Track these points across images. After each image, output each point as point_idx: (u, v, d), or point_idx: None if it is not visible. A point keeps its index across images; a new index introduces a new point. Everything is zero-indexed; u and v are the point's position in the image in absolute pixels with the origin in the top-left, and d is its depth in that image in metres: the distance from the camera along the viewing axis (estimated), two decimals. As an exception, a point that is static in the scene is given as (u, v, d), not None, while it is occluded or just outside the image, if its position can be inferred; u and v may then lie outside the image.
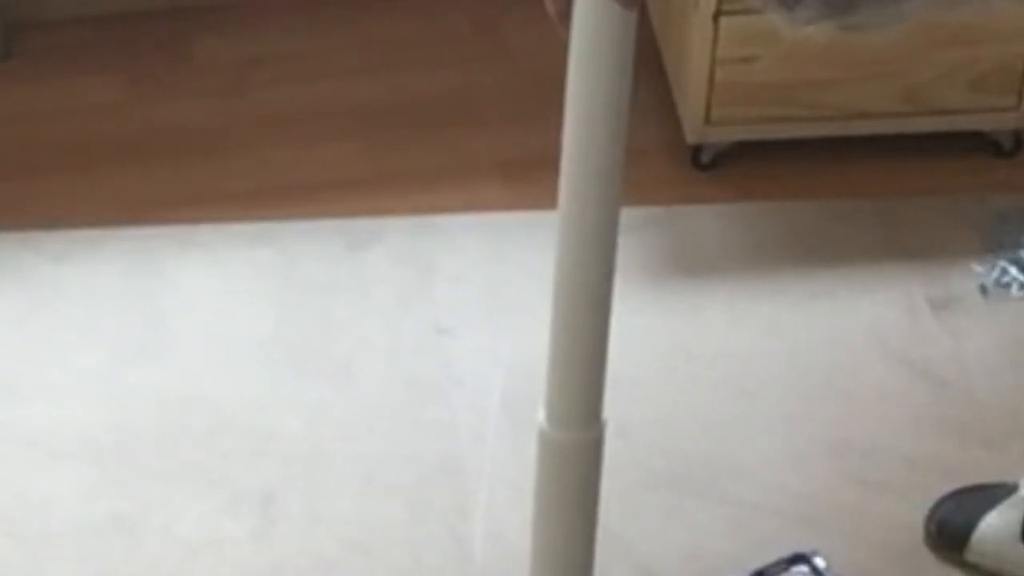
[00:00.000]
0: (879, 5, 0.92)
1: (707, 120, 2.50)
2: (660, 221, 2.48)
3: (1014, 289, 2.35)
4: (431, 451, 2.11)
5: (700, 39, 2.42)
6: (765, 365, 2.24)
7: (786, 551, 1.90)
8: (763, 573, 1.88)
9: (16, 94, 2.79)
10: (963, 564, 1.93)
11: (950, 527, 1.94)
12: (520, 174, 2.57)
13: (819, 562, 1.87)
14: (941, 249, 2.42)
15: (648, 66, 2.66)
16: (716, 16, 2.39)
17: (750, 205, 2.52)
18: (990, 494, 1.94)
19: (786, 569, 1.88)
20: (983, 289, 2.35)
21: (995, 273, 2.37)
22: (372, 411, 2.18)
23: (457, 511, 2.03)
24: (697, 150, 2.57)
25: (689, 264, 2.42)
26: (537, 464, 1.35)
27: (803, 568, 1.88)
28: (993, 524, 1.91)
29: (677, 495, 2.05)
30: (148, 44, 2.90)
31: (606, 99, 1.15)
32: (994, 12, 0.92)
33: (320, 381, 2.22)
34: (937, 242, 2.44)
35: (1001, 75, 2.48)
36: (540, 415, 1.32)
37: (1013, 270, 2.37)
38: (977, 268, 2.38)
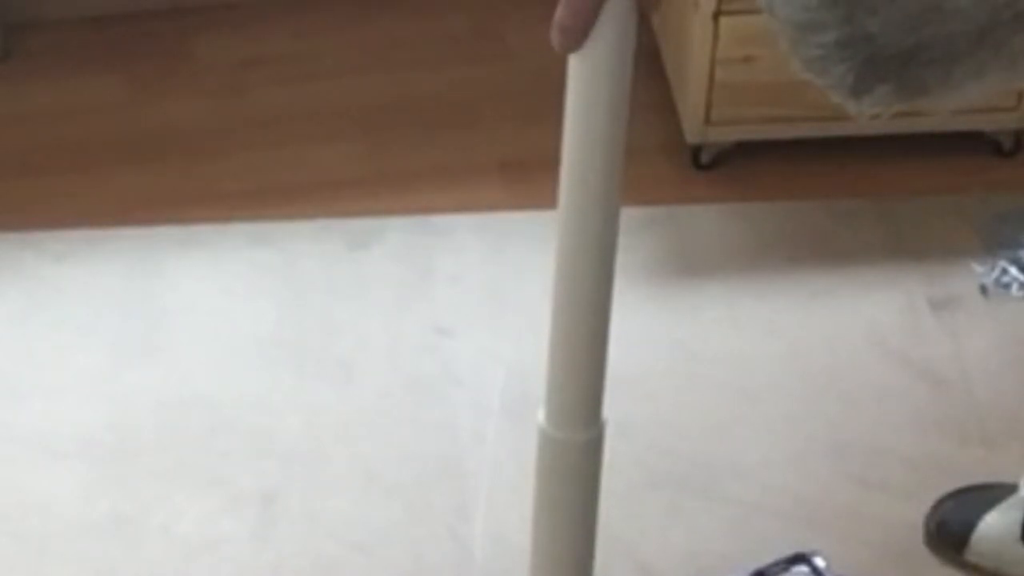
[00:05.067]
0: (947, 89, 0.91)
1: (707, 120, 2.50)
2: (660, 221, 2.48)
3: (1014, 289, 2.35)
4: (431, 451, 2.11)
5: (700, 39, 2.42)
6: (765, 365, 2.24)
7: (786, 551, 1.90)
8: (763, 573, 1.88)
9: (16, 94, 2.79)
10: (963, 564, 1.94)
11: (950, 527, 1.94)
12: (520, 174, 2.57)
13: (819, 562, 1.87)
14: (941, 249, 2.43)
15: (648, 66, 2.66)
16: (716, 16, 2.39)
17: (750, 205, 2.53)
18: (990, 494, 1.94)
19: (786, 569, 1.88)
20: (983, 289, 2.35)
21: (995, 273, 2.37)
22: (372, 411, 2.18)
23: (457, 511, 2.03)
24: (697, 150, 2.58)
25: (689, 264, 2.42)
26: (537, 464, 1.34)
27: (803, 568, 1.88)
28: (993, 524, 1.91)
29: (677, 495, 2.05)
30: (148, 44, 2.90)
31: (606, 99, 1.15)
32: None
33: (320, 381, 2.22)
34: (937, 242, 2.44)
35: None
36: (540, 415, 1.32)
37: (1013, 270, 2.37)
38: (977, 268, 2.38)
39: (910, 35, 0.88)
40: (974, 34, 0.87)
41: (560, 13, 1.08)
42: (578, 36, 1.10)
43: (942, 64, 0.89)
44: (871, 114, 0.96)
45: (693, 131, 2.53)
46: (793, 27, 0.93)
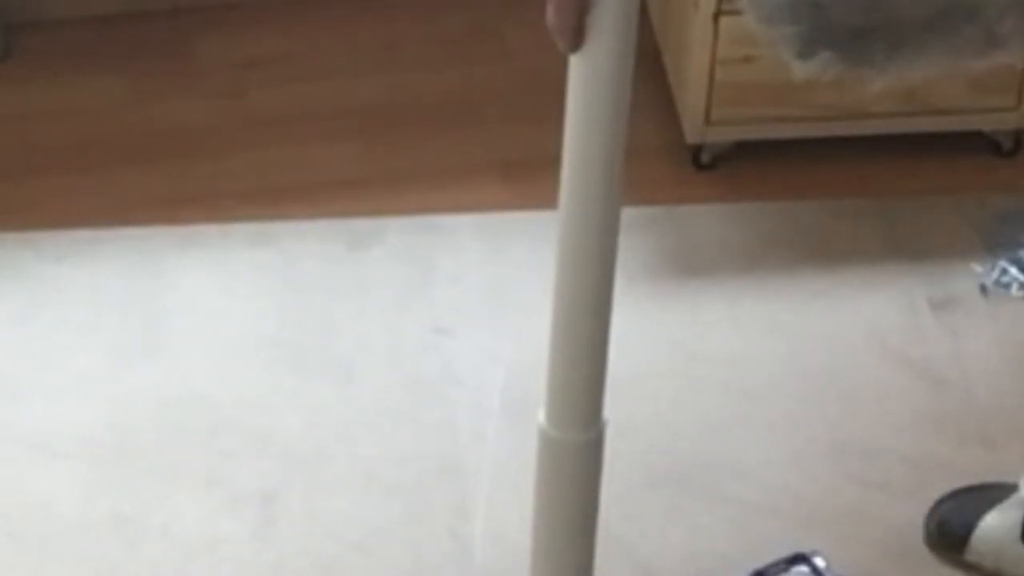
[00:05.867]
0: (892, 64, 0.93)
1: (707, 120, 2.50)
2: (660, 221, 2.48)
3: (1014, 289, 2.35)
4: (431, 451, 2.11)
5: (700, 39, 2.42)
6: (765, 365, 2.24)
7: (786, 551, 1.90)
8: (763, 573, 1.88)
9: (16, 94, 2.79)
10: (963, 564, 1.94)
11: (950, 527, 1.94)
12: (520, 174, 2.57)
13: (819, 562, 1.87)
14: (941, 249, 2.43)
15: (648, 66, 2.66)
16: (716, 16, 2.39)
17: (750, 205, 2.52)
18: (990, 494, 1.94)
19: (786, 569, 1.88)
20: (983, 289, 2.35)
21: (995, 273, 2.37)
22: (372, 411, 2.18)
23: (457, 511, 2.03)
24: (697, 150, 2.58)
25: (689, 264, 2.42)
26: (537, 464, 1.35)
27: (803, 568, 1.88)
28: (993, 524, 1.91)
29: (677, 495, 2.05)
30: (148, 44, 2.90)
31: (606, 99, 1.15)
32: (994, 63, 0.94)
33: (320, 381, 2.22)
34: (937, 242, 2.44)
35: (1001, 75, 2.48)
36: (540, 415, 1.32)
37: (1013, 270, 2.37)
38: (977, 268, 2.38)
39: (859, 13, 0.89)
40: (922, 21, 0.88)
41: (547, 14, 1.09)
42: (570, 35, 1.10)
43: (889, 42, 0.91)
44: (815, 76, 0.98)
45: (693, 131, 2.53)
46: None
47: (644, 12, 2.68)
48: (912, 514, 1.97)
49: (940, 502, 1.96)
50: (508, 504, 2.01)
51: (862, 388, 2.20)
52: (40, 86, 2.81)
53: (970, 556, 1.93)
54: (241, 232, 2.48)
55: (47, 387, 2.23)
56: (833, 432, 2.13)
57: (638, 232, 2.41)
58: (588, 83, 1.15)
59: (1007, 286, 2.35)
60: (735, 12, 2.38)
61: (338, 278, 2.40)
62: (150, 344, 2.29)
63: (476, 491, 2.05)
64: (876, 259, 2.42)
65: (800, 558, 1.88)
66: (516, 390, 2.17)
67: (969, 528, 1.92)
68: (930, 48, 0.91)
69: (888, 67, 0.93)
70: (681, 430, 2.14)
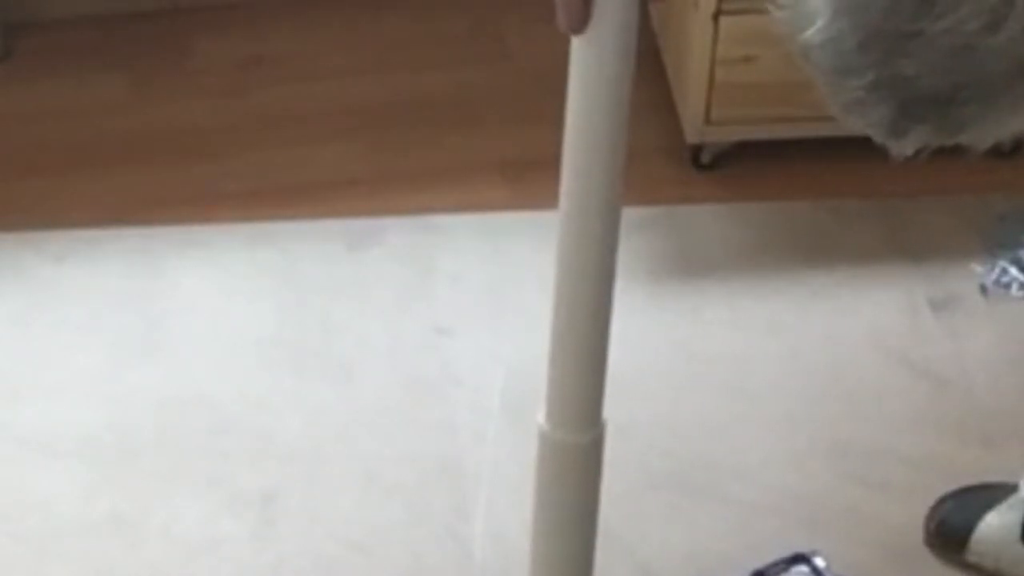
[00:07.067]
0: (986, 126, 0.91)
1: (707, 120, 2.50)
2: (660, 221, 2.48)
3: (1014, 289, 2.35)
4: (431, 451, 2.11)
5: (700, 39, 2.42)
6: (765, 365, 2.24)
7: (786, 551, 1.90)
8: (763, 573, 1.88)
9: (16, 94, 2.79)
10: (963, 564, 1.94)
11: (950, 527, 1.94)
12: (520, 174, 2.57)
13: (819, 562, 1.87)
14: (941, 249, 2.42)
15: (648, 66, 2.66)
16: (716, 16, 2.39)
17: (750, 205, 2.52)
18: (990, 494, 1.94)
19: (786, 569, 1.88)
20: (983, 289, 2.35)
21: (995, 273, 2.37)
22: (372, 411, 2.18)
23: (457, 511, 2.03)
24: (697, 150, 2.57)
25: (689, 264, 2.42)
26: (537, 464, 1.35)
27: (803, 568, 1.88)
28: (993, 524, 1.91)
29: (677, 495, 2.05)
30: (148, 44, 2.90)
31: (606, 99, 1.15)
32: None
33: (320, 381, 2.22)
34: (937, 242, 2.44)
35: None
36: (540, 415, 1.32)
37: (1013, 270, 2.37)
38: (977, 268, 2.38)
39: (946, 76, 0.88)
40: (1012, 72, 0.87)
41: None
42: (578, 12, 1.10)
43: (980, 103, 0.89)
44: (911, 153, 0.96)
45: (693, 131, 2.53)
46: (830, 73, 0.93)
47: (644, 12, 2.68)
48: (912, 514, 1.98)
49: (940, 502, 1.96)
50: (508, 504, 2.01)
51: (862, 388, 2.20)
52: (40, 86, 2.81)
53: (970, 556, 1.93)
54: (241, 232, 2.48)
55: (47, 387, 2.23)
56: (833, 432, 2.13)
57: (638, 232, 2.41)
58: (588, 83, 1.15)
59: (1007, 286, 2.35)
60: (735, 12, 2.38)
61: (338, 278, 2.40)
62: (150, 344, 2.29)
63: (476, 491, 2.05)
64: (876, 259, 2.42)
65: (800, 558, 1.89)
66: (516, 390, 2.17)
67: (969, 528, 1.92)
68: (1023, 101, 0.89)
69: (983, 128, 0.92)
70: (681, 430, 2.14)
